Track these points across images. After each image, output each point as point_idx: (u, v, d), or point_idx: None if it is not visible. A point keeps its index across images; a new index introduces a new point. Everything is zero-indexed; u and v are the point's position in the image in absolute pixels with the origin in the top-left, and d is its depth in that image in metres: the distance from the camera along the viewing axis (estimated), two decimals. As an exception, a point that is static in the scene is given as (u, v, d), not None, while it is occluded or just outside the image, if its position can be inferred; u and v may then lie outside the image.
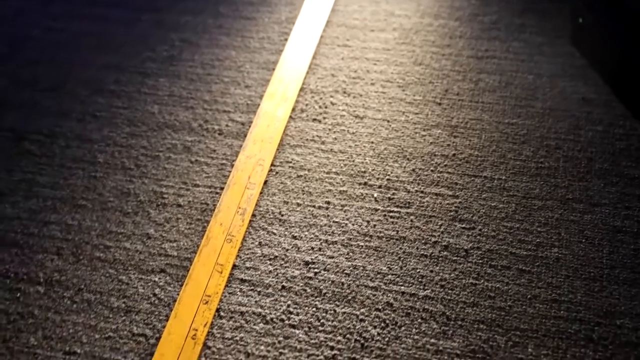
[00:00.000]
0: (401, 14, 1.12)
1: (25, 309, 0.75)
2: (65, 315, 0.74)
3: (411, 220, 0.81)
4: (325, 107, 0.95)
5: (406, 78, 1.00)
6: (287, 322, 0.73)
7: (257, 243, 0.79)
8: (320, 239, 0.79)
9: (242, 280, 0.76)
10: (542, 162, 0.86)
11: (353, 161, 0.88)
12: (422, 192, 0.83)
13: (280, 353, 0.70)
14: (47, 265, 0.78)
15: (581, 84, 0.96)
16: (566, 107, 0.93)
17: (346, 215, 0.82)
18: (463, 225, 0.80)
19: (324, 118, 0.94)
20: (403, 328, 0.71)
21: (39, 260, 0.79)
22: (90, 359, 0.71)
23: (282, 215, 0.82)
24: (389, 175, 0.86)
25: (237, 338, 0.72)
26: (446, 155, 0.88)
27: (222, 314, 0.73)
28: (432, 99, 0.96)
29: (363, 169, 0.87)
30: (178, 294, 0.75)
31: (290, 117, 0.94)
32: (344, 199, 0.83)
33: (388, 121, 0.93)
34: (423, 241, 0.78)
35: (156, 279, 0.77)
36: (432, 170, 0.86)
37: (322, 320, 0.72)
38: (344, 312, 0.73)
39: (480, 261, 0.76)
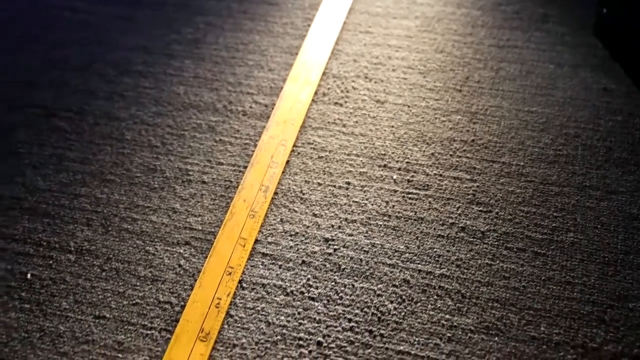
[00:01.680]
0: (424, 2, 1.13)
1: (58, 275, 0.78)
2: (95, 282, 0.77)
3: (429, 202, 0.83)
4: (347, 92, 0.98)
5: (427, 65, 1.01)
6: (306, 294, 0.75)
7: (278, 219, 0.82)
8: (340, 218, 0.82)
9: (264, 254, 0.79)
10: (561, 149, 0.88)
11: (373, 144, 0.90)
12: (440, 175, 0.85)
13: (300, 323, 0.73)
14: (78, 235, 0.82)
15: (602, 74, 0.97)
16: (586, 97, 0.94)
17: (366, 195, 0.84)
18: (480, 209, 0.81)
19: (346, 102, 0.96)
20: (419, 304, 0.74)
21: (70, 231, 0.82)
22: (119, 323, 0.74)
23: (304, 194, 0.84)
24: (408, 158, 0.88)
25: (259, 308, 0.74)
26: (465, 141, 0.89)
27: (244, 285, 0.76)
28: (452, 85, 0.98)
29: (383, 152, 0.89)
30: (202, 265, 0.78)
31: (313, 100, 0.97)
32: (364, 180, 0.85)
33: (408, 106, 0.95)
34: (440, 222, 0.80)
35: (181, 251, 0.79)
36: (450, 155, 0.88)
37: (340, 294, 0.75)
38: (362, 287, 0.75)
39: (496, 243, 0.78)
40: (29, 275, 0.78)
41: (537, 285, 0.74)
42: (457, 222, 0.80)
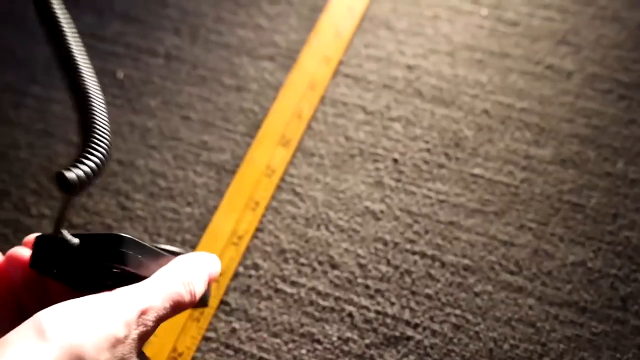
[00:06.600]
0: None
1: (146, 76, 0.81)
2: (182, 86, 0.80)
3: (517, 39, 0.81)
4: None
5: None
6: (386, 115, 0.77)
7: (363, 44, 0.82)
8: (424, 47, 0.81)
9: (347, 75, 0.80)
10: (662, -2, 0.84)
11: (464, -21, 0.87)
12: (531, 14, 0.83)
13: (378, 141, 0.75)
14: (166, 41, 0.84)
15: None
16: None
17: (453, 28, 0.83)
18: (569, 49, 0.80)
19: (437, -63, 0.92)
20: (497, 133, 0.75)
21: (158, 37, 0.84)
22: (204, 124, 0.77)
23: (390, 22, 0.83)
24: (499, -5, 0.85)
25: (339, 124, 0.77)
26: (561, -17, 0.86)
27: (326, 101, 0.78)
28: None
29: (473, -13, 0.86)
30: (285, 79, 0.79)
31: None
32: (452, 13, 0.84)
33: (503, -54, 0.91)
34: (526, 59, 0.79)
35: (265, 65, 0.81)
36: (544, -4, 0.85)
37: (419, 118, 0.76)
38: (441, 113, 0.76)
39: (582, 83, 0.77)
40: (121, 75, 0.82)
41: (619, 126, 0.74)
42: (543, 60, 0.79)
